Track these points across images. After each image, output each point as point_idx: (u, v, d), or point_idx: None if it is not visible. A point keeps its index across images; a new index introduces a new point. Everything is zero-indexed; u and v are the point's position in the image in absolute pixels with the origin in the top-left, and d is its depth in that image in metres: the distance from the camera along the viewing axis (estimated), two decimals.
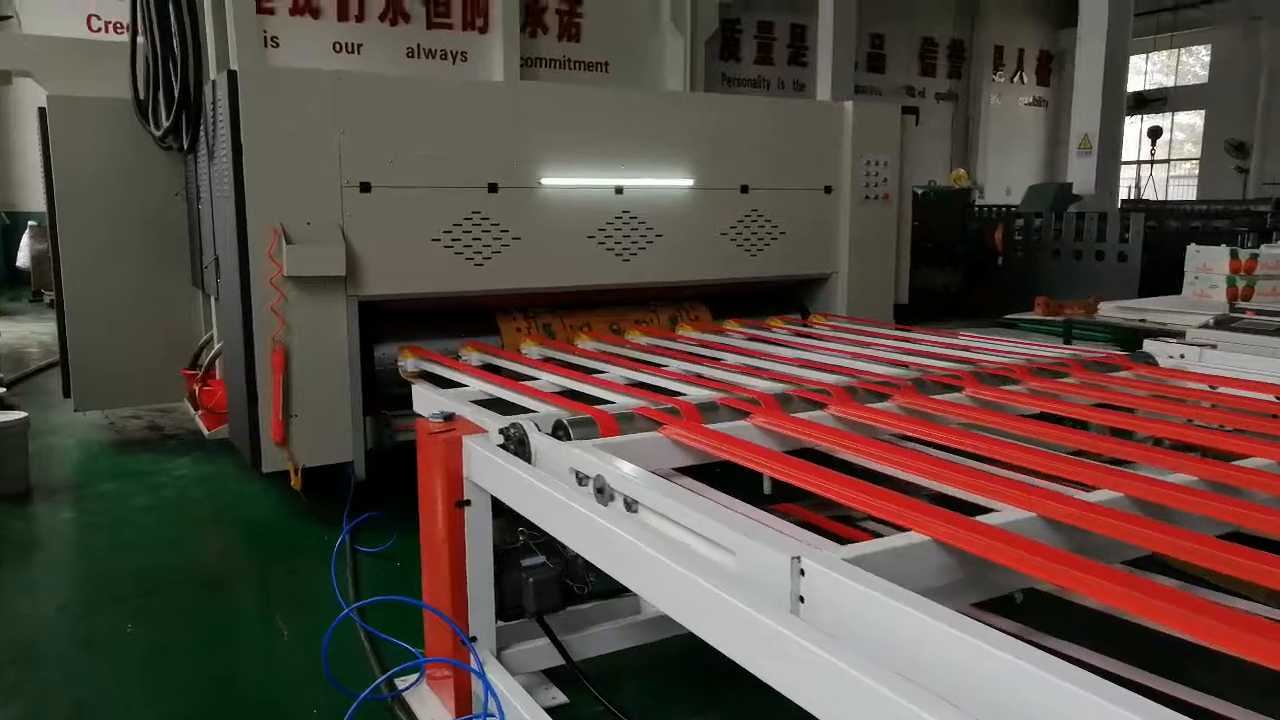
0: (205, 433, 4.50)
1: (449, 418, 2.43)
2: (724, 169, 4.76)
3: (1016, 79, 23.63)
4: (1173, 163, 23.69)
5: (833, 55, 15.60)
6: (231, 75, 3.69)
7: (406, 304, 4.21)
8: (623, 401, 2.87)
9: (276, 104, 3.73)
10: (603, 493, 2.08)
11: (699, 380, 3.36)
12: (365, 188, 3.93)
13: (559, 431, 2.47)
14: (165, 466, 4.76)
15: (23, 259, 12.28)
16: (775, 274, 5.02)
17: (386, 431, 4.20)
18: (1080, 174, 12.52)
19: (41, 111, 4.86)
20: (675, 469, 2.39)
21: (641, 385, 3.36)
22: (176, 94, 4.03)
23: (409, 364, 3.98)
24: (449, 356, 4.08)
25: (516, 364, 3.90)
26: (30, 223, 12.49)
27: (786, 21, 20.05)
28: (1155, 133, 20.94)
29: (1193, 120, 23.43)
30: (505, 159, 4.20)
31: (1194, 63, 23.56)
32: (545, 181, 4.30)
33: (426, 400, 3.25)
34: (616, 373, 3.55)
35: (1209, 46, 22.75)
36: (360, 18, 14.80)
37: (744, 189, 4.84)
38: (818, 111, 5.07)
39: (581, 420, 2.50)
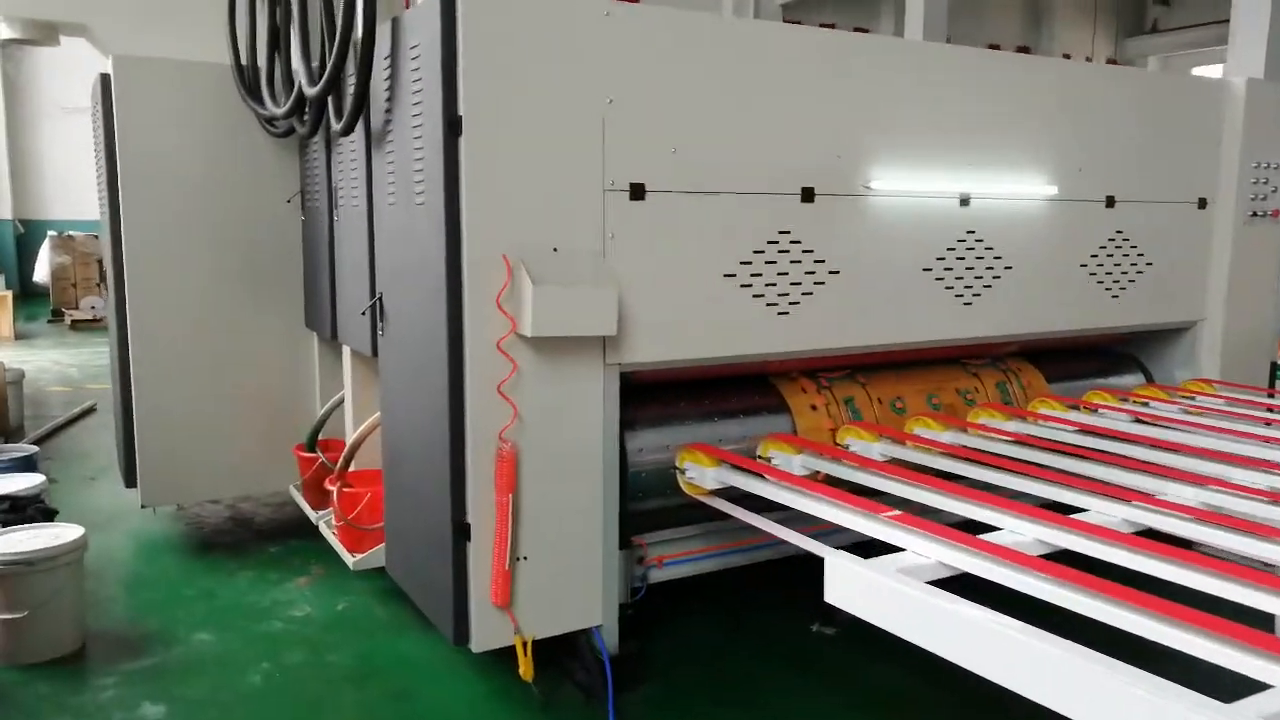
0: (348, 560, 3.00)
1: None
2: (1088, 172, 3.30)
3: None
4: None
5: None
6: None
7: (658, 371, 2.74)
8: None
9: (519, 49, 2.28)
10: None
11: (1245, 525, 1.94)
12: (637, 192, 2.47)
13: None
14: (276, 597, 3.25)
15: (41, 274, 10.83)
16: (1140, 322, 3.55)
17: (639, 569, 2.74)
18: None
19: (104, 80, 3.39)
20: None
21: (1159, 538, 1.91)
22: (335, 47, 2.56)
23: (707, 475, 2.50)
24: (743, 455, 2.62)
25: (866, 473, 2.45)
26: (50, 233, 11.06)
27: (849, 25, 18.75)
28: None
29: None
30: (827, 149, 2.75)
31: None
32: (875, 186, 2.84)
33: (853, 578, 1.77)
34: (1114, 513, 2.09)
35: None
36: None
37: (1109, 202, 3.38)
38: (1196, 91, 3.59)
39: None
